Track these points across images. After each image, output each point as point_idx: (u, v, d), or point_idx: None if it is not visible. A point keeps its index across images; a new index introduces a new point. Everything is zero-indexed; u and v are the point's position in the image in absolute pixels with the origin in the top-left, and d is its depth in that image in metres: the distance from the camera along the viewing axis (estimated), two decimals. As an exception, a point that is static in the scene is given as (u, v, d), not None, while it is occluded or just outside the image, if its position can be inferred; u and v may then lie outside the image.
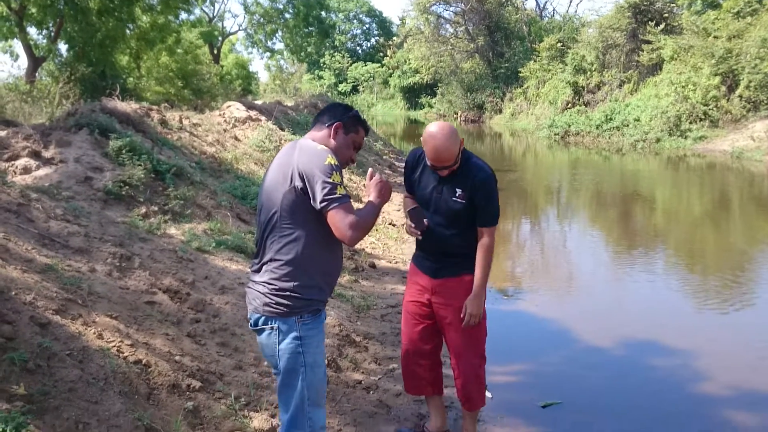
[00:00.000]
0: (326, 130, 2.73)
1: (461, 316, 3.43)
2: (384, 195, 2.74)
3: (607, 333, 5.83)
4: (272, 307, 2.60)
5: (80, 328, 3.50)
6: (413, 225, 3.36)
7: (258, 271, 2.68)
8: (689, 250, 9.40)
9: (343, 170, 2.69)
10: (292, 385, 2.65)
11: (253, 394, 3.84)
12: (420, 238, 3.37)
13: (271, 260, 2.62)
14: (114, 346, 3.50)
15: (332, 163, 2.53)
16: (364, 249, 7.93)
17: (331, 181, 2.49)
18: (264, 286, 2.62)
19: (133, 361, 3.48)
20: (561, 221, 12.13)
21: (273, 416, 3.67)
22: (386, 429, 3.90)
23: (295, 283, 2.60)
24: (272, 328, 2.63)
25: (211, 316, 4.53)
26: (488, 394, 4.50)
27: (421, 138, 3.35)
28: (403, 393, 4.29)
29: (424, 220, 3.36)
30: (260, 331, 2.69)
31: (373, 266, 7.46)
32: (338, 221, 2.51)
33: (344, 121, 2.74)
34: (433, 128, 3.30)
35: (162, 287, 4.57)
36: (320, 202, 2.49)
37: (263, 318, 2.64)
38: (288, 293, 2.59)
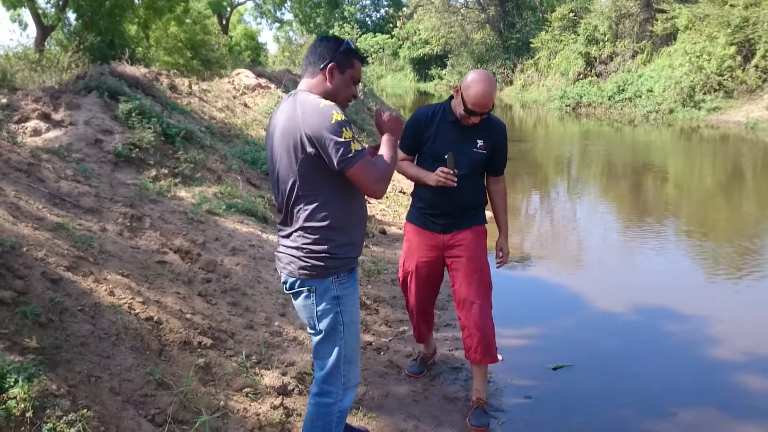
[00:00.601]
0: (320, 75, 2.56)
1: (497, 258, 3.72)
2: (396, 130, 2.64)
3: (619, 299, 5.80)
4: (309, 270, 2.56)
5: (92, 284, 3.50)
6: (452, 171, 3.35)
7: (288, 236, 2.61)
8: (702, 220, 9.32)
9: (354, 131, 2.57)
10: (330, 344, 2.64)
11: (264, 352, 3.84)
12: (455, 185, 3.38)
13: (301, 228, 2.55)
14: (125, 303, 3.50)
15: (339, 119, 2.39)
16: (374, 216, 7.91)
17: (342, 140, 2.38)
18: (298, 250, 2.56)
19: (145, 317, 3.49)
20: (572, 193, 12.04)
21: (284, 374, 3.67)
22: (396, 388, 3.91)
23: (330, 245, 2.55)
24: (309, 290, 2.59)
25: (222, 277, 4.53)
26: (499, 357, 4.50)
27: (460, 85, 3.40)
28: (414, 354, 4.31)
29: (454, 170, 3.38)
30: (297, 294, 2.64)
31: (383, 232, 7.44)
32: (361, 179, 2.44)
33: (337, 59, 2.55)
34: (476, 75, 3.38)
35: (173, 247, 4.57)
36: (338, 165, 2.40)
37: (299, 281, 2.60)
38: (323, 255, 2.54)
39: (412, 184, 3.78)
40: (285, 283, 2.68)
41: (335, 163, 2.40)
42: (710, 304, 5.77)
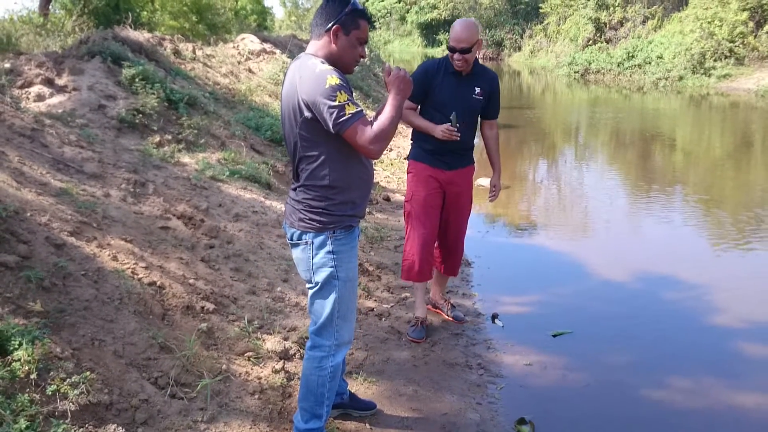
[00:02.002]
0: (326, 37, 2.56)
1: (490, 193, 4.30)
2: (404, 90, 2.60)
3: (622, 267, 5.81)
4: (306, 222, 2.65)
5: (95, 249, 3.53)
6: (456, 128, 3.84)
7: (294, 190, 2.72)
8: (710, 189, 9.26)
9: (356, 98, 2.60)
10: (324, 297, 2.71)
11: (266, 317, 3.89)
12: (458, 138, 3.88)
13: (303, 186, 2.65)
14: (128, 267, 3.54)
15: (333, 83, 2.42)
16: (378, 182, 7.91)
17: (336, 104, 2.41)
18: (299, 203, 2.67)
19: (148, 282, 3.52)
20: (579, 160, 11.98)
21: (286, 339, 3.72)
22: (397, 354, 3.95)
23: (328, 203, 2.63)
24: (306, 242, 2.68)
25: (225, 243, 4.55)
26: (499, 323, 4.55)
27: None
28: (412, 320, 4.34)
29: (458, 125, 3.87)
30: (295, 246, 2.74)
31: (387, 199, 7.45)
32: (357, 139, 2.47)
33: (342, 21, 2.54)
34: (458, 20, 3.94)
35: (176, 213, 4.58)
36: (333, 128, 2.45)
37: (298, 233, 2.69)
38: (321, 210, 2.63)
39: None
40: (286, 233, 2.79)
41: (331, 127, 2.45)
42: (714, 272, 5.78)
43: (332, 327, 2.74)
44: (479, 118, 4.16)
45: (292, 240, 2.75)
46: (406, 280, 4.29)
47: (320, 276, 2.68)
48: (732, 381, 3.93)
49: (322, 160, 2.58)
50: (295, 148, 2.62)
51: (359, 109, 2.49)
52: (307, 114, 2.49)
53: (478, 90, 3.98)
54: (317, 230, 2.65)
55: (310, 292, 2.76)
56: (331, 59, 2.56)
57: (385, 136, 2.52)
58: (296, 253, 2.76)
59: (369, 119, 2.56)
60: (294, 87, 2.52)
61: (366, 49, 2.79)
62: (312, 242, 2.66)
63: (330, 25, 2.55)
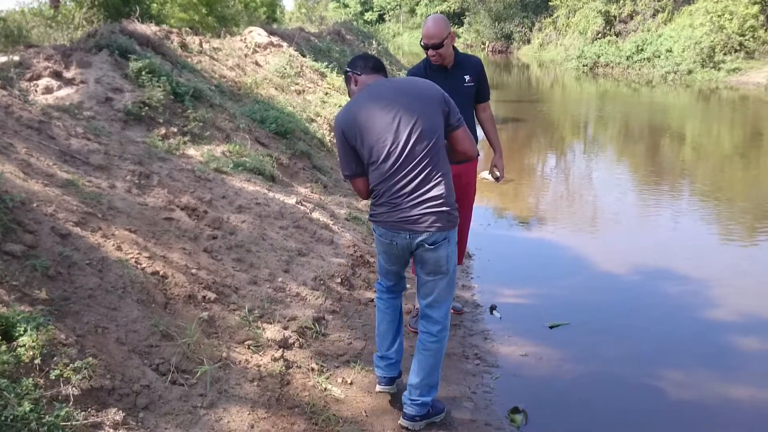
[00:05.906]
0: None
1: (497, 175, 4.39)
2: None
3: (624, 261, 5.85)
4: (454, 222, 3.06)
5: (99, 240, 3.61)
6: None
7: (422, 191, 2.98)
8: (717, 184, 9.25)
9: None
10: (453, 281, 3.20)
11: (266, 307, 3.96)
12: None
13: (442, 174, 2.99)
14: (132, 257, 3.61)
15: None
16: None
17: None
18: (439, 200, 2.98)
19: (151, 272, 3.60)
20: (586, 154, 11.99)
21: (285, 328, 3.79)
22: (395, 343, 4.01)
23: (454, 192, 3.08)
24: (447, 239, 3.05)
25: (228, 234, 4.63)
26: (497, 315, 4.61)
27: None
28: (413, 309, 4.41)
29: None
30: (438, 247, 3.05)
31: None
32: (466, 137, 3.10)
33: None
34: (428, 18, 4.15)
35: (180, 205, 4.66)
36: (457, 122, 3.02)
37: (444, 234, 3.01)
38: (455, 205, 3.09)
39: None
40: (429, 240, 2.99)
41: (456, 120, 3.02)
42: (717, 267, 5.82)
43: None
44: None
45: (434, 244, 2.98)
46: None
47: (452, 264, 3.09)
48: (727, 374, 3.98)
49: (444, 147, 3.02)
50: (436, 139, 2.93)
51: None
52: (444, 108, 2.99)
53: (467, 78, 4.16)
54: (455, 226, 3.04)
55: (440, 283, 3.09)
56: None
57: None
58: (436, 254, 3.01)
59: None
60: (426, 90, 3.03)
61: None
62: (449, 238, 3.01)
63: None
